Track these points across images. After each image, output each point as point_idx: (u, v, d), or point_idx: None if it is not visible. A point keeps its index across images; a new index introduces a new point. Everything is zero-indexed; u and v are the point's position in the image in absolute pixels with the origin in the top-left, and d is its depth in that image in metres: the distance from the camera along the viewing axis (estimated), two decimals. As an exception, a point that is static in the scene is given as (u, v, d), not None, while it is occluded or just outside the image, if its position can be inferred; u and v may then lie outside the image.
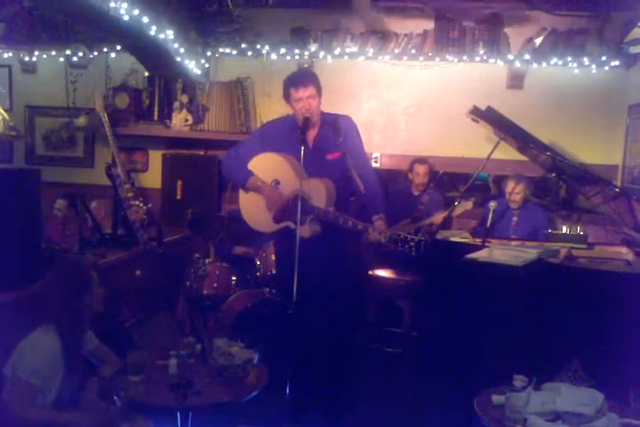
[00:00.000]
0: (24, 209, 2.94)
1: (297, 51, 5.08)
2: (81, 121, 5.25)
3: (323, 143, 3.24)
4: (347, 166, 3.09)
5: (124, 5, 3.80)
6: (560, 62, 4.83)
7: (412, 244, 2.78)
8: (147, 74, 5.24)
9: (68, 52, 5.40)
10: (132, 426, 2.39)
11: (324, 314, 3.20)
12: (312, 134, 3.25)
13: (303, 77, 3.23)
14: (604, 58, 4.73)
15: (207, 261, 4.04)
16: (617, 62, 4.74)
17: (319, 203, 3.07)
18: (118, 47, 5.23)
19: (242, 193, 3.38)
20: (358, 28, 5.08)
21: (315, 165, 3.12)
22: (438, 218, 4.40)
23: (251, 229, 3.39)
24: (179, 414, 2.43)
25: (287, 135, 3.21)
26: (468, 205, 4.44)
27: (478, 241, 3.79)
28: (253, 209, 3.31)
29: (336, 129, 3.16)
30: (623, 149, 4.86)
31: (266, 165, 3.27)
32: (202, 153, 5.37)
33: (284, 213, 3.17)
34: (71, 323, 2.39)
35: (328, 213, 3.04)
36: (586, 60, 4.77)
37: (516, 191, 4.55)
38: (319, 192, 3.08)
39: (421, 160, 4.87)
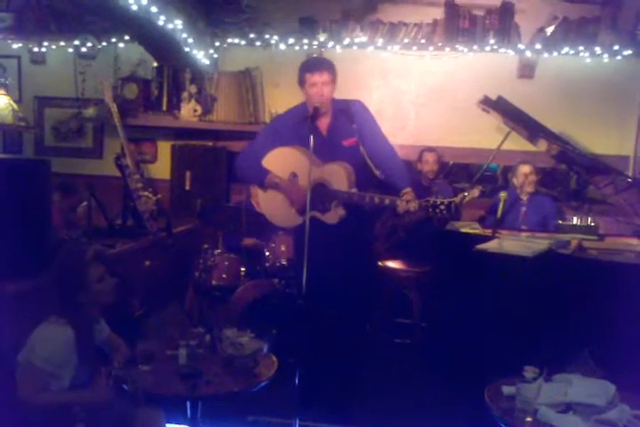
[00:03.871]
0: (34, 200, 2.95)
1: (305, 41, 5.05)
2: (90, 112, 5.25)
3: (337, 131, 3.22)
4: (361, 153, 3.08)
5: (133, -5, 3.80)
6: (571, 52, 4.78)
7: (442, 207, 2.79)
8: (155, 64, 5.23)
9: (76, 42, 5.40)
10: (145, 416, 2.41)
11: (335, 304, 3.19)
12: (325, 122, 3.23)
13: (319, 63, 3.23)
14: (616, 47, 4.67)
15: (216, 251, 4.04)
16: (630, 51, 4.69)
17: (341, 186, 3.06)
18: (127, 37, 5.22)
19: (260, 192, 3.37)
20: (367, 18, 5.04)
21: (330, 152, 3.12)
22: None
23: (260, 220, 3.38)
24: (188, 403, 2.43)
25: (298, 126, 3.19)
26: (474, 192, 4.43)
27: (488, 232, 3.77)
28: (275, 206, 3.30)
29: (349, 115, 3.16)
30: (635, 140, 4.82)
31: (280, 160, 3.25)
32: (210, 144, 5.37)
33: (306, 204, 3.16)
34: (79, 312, 2.40)
35: (352, 194, 3.03)
36: (598, 50, 4.71)
37: (530, 178, 4.52)
38: (339, 176, 3.07)
39: (430, 148, 4.87)
